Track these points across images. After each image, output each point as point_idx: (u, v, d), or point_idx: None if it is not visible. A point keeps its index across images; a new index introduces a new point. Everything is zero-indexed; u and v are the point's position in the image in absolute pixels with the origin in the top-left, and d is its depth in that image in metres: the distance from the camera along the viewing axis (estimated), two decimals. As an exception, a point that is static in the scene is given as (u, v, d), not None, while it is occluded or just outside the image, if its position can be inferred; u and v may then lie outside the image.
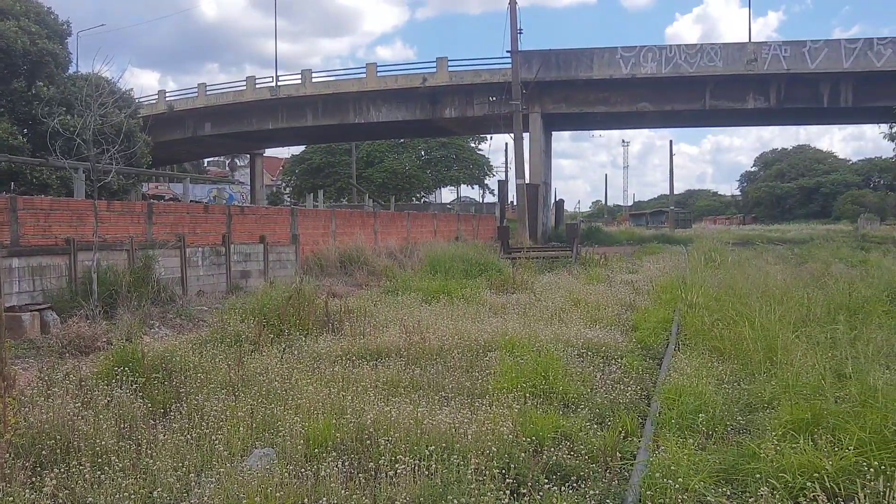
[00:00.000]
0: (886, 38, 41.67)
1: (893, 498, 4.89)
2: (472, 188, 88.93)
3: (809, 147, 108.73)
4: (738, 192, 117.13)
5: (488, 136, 71.98)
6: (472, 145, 78.88)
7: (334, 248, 25.60)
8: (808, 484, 5.22)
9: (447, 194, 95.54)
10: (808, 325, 10.69)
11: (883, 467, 5.33)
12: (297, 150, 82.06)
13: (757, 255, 24.48)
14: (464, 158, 78.74)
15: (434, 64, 48.93)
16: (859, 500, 4.91)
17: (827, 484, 5.28)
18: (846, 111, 47.40)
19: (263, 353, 9.75)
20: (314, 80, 52.55)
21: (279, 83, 53.32)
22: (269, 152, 79.32)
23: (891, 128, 38.27)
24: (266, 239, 21.86)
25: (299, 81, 52.61)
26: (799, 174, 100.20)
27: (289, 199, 78.42)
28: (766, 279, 15.53)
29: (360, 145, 74.32)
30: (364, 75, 50.90)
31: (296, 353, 10.13)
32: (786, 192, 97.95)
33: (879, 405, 6.51)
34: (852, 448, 5.77)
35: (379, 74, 50.55)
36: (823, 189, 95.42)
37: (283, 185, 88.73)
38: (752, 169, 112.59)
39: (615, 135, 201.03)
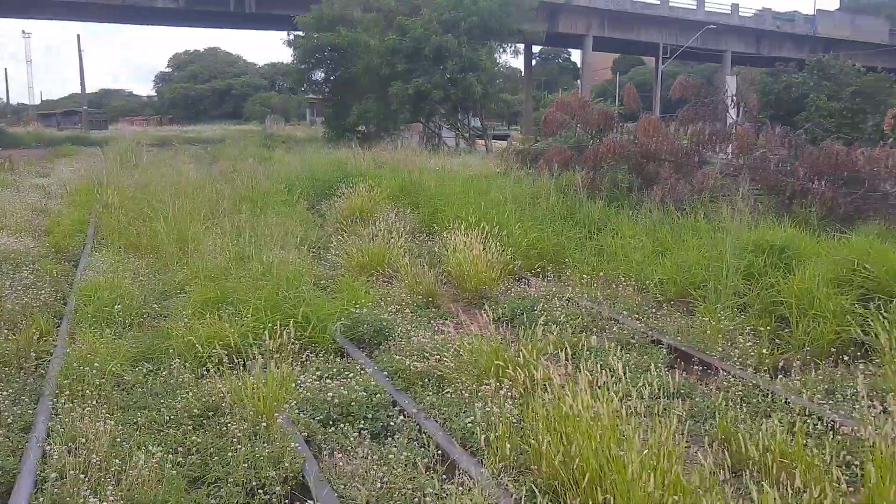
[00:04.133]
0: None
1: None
2: None
3: (221, 50, 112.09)
4: (154, 93, 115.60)
5: None
6: None
7: None
8: (215, 351, 5.99)
9: None
10: (217, 217, 11.63)
11: (274, 326, 6.37)
12: None
13: (173, 155, 24.97)
14: None
15: None
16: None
17: (232, 347, 6.13)
18: (252, 17, 50.09)
19: None
20: None
21: None
22: None
23: (288, 34, 41.72)
24: None
25: None
26: (212, 76, 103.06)
27: None
28: (179, 177, 16.15)
29: None
30: None
31: None
32: (200, 93, 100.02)
33: (273, 279, 7.66)
34: (250, 316, 6.75)
35: None
36: (235, 91, 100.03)
37: None
38: (167, 70, 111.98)
39: (12, 24, 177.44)
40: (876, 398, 4.99)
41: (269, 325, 6.39)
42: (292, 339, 6.03)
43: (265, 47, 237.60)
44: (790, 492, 3.66)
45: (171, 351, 6.29)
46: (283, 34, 42.70)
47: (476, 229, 9.66)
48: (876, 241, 8.19)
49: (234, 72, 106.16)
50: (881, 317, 6.21)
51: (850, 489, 4.03)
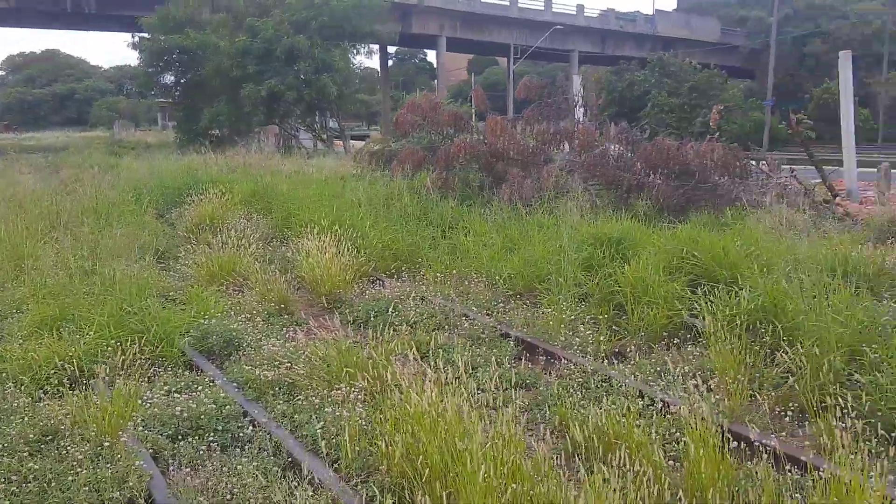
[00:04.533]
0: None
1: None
2: None
3: (61, 52, 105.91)
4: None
5: None
6: None
7: None
8: (55, 371, 5.71)
9: None
10: (57, 230, 11.04)
11: (119, 342, 6.15)
12: None
13: (9, 164, 23.41)
14: None
15: None
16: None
17: (75, 366, 5.85)
18: (92, 17, 47.60)
19: None
20: None
21: None
22: None
23: (133, 37, 39.97)
24: None
25: None
26: (52, 80, 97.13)
27: None
28: (15, 189, 15.19)
29: None
30: None
31: None
32: (39, 98, 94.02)
33: (117, 293, 7.37)
34: (93, 333, 6.48)
35: None
36: (78, 96, 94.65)
37: None
38: (1, 73, 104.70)
39: None
40: (702, 377, 5.41)
41: (114, 341, 6.17)
42: (138, 355, 5.84)
43: (111, 49, 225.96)
44: (617, 471, 3.90)
45: (3, 375, 5.93)
46: (127, 36, 40.95)
47: (330, 233, 9.65)
48: (703, 230, 8.79)
49: (77, 75, 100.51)
50: (707, 301, 6.68)
51: (675, 464, 4.35)
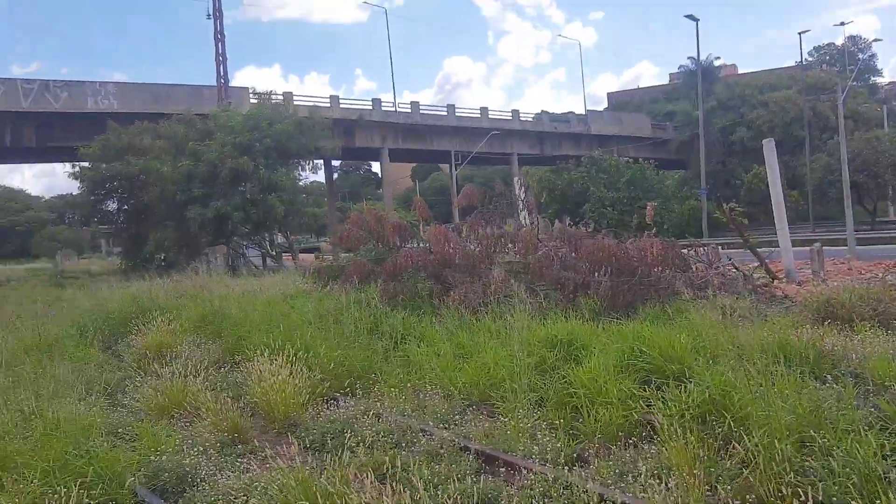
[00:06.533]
0: (61, 81, 43.52)
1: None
2: None
3: (1, 186, 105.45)
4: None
5: None
6: None
7: None
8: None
9: None
10: (-1, 369, 10.73)
11: (65, 489, 5.94)
12: None
13: (-54, 303, 22.85)
14: None
15: None
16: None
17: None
18: (31, 150, 47.73)
19: None
20: None
21: None
22: None
23: (73, 167, 40.15)
24: None
25: None
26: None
27: None
28: (-48, 329, 14.79)
29: None
30: None
31: None
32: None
33: (62, 435, 7.14)
34: (37, 480, 6.24)
35: None
36: (18, 228, 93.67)
37: None
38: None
39: None
40: (660, 475, 5.44)
41: (61, 487, 5.96)
42: (86, 501, 5.63)
43: (51, 177, 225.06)
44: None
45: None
46: (67, 166, 41.08)
47: (281, 354, 9.56)
48: (649, 325, 8.97)
49: (17, 208, 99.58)
50: (659, 397, 6.76)
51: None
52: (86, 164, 39.31)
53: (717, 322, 9.14)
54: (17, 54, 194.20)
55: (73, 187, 44.79)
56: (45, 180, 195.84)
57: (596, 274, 11.78)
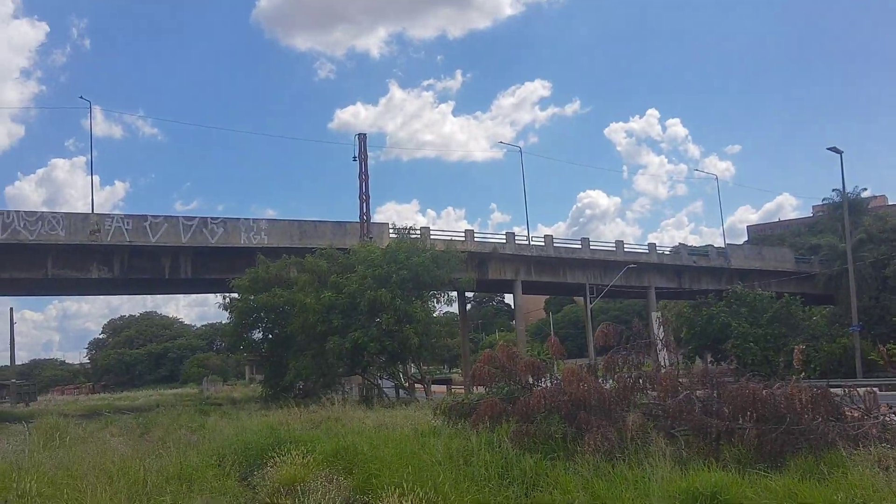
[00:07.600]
0: (218, 218, 46.88)
1: None
2: None
3: (156, 314, 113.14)
4: (86, 360, 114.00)
5: None
6: None
7: None
8: None
9: None
10: (141, 499, 11.08)
11: None
12: None
13: (102, 426, 24.14)
14: None
15: None
16: None
17: None
18: (187, 282, 51.12)
19: None
20: None
21: None
22: None
23: (224, 297, 42.70)
24: None
25: None
26: (147, 340, 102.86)
27: None
28: (103, 455, 15.50)
29: None
30: None
31: None
32: (135, 358, 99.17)
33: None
34: None
35: None
36: (171, 354, 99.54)
37: None
38: (101, 336, 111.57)
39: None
40: None
41: None
42: None
43: (202, 307, 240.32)
44: None
45: None
46: (218, 297, 43.72)
47: (410, 497, 9.41)
48: (801, 482, 8.26)
49: (170, 335, 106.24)
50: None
51: None
52: (235, 294, 41.69)
53: (881, 482, 8.31)
54: (182, 192, 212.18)
55: (223, 316, 47.58)
56: (198, 309, 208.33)
57: (740, 419, 11.06)
